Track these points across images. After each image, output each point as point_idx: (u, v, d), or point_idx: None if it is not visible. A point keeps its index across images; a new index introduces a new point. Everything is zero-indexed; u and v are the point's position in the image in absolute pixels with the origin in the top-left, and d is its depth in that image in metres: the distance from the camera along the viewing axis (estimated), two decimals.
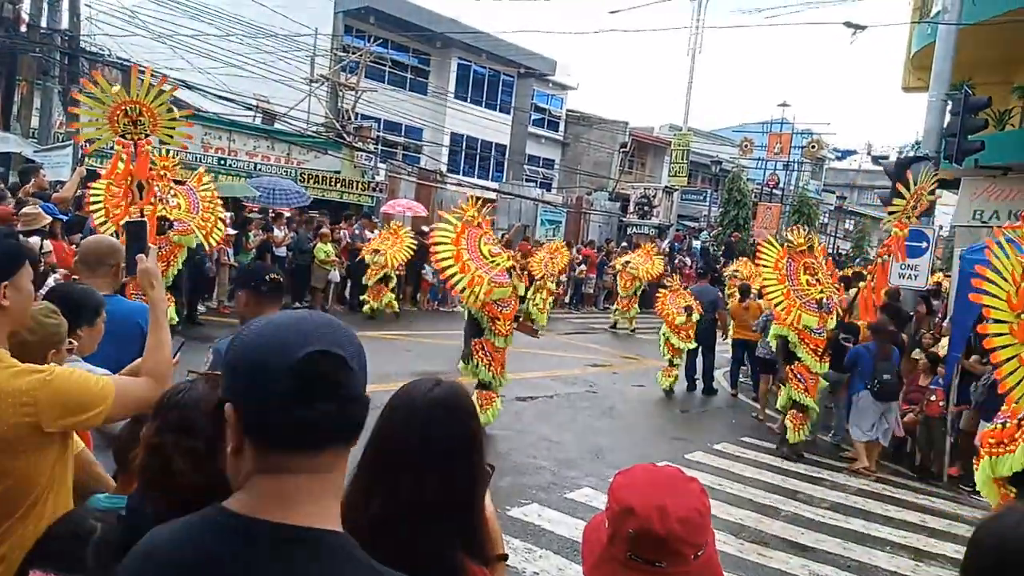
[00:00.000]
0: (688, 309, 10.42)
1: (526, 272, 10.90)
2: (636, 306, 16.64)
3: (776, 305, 8.18)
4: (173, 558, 0.99)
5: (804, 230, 8.85)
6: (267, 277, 3.27)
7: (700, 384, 11.03)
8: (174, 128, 5.26)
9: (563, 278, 17.83)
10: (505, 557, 1.35)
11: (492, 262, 7.09)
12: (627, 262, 16.79)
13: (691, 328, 10.52)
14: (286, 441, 0.98)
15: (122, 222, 5.15)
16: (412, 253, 14.15)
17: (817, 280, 8.21)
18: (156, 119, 5.06)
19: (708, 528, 1.36)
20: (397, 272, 14.28)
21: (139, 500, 1.72)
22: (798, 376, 8.04)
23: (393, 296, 14.17)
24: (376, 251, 13.85)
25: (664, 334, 10.68)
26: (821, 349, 8.04)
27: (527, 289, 7.53)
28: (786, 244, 8.57)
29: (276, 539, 0.96)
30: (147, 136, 5.02)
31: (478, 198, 7.79)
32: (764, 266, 8.44)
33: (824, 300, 8.10)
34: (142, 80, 5.04)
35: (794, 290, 8.13)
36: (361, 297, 13.96)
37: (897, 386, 7.96)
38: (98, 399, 1.87)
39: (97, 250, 3.26)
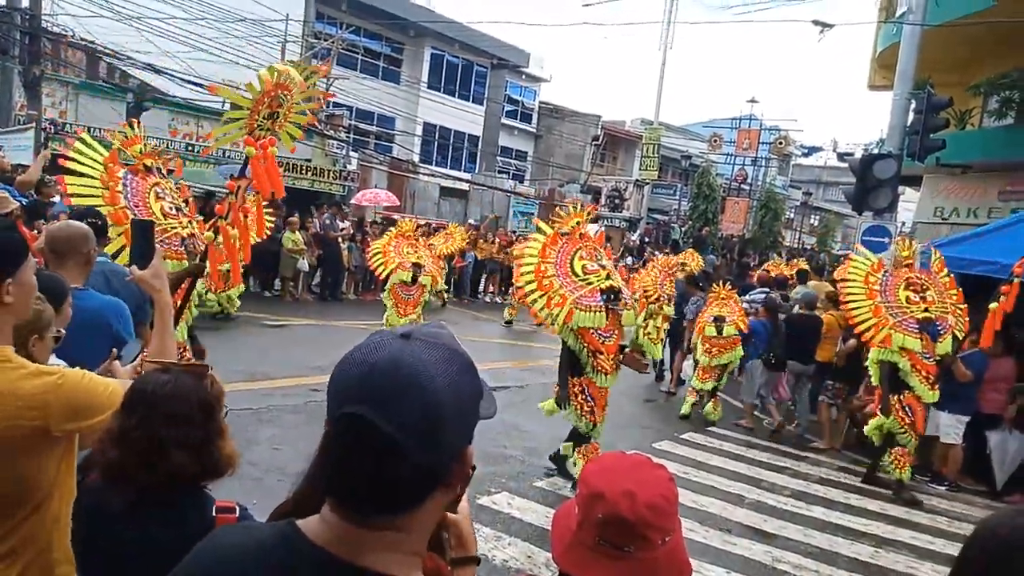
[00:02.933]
0: (719, 320, 8.85)
1: (641, 297, 8.80)
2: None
3: (859, 323, 7.14)
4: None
5: (908, 241, 7.55)
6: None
7: (668, 375, 11.17)
8: (303, 120, 4.15)
9: None
10: (477, 561, 1.36)
11: (583, 281, 5.87)
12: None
13: (727, 345, 8.89)
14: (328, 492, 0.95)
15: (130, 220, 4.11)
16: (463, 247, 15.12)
17: (923, 298, 7.04)
18: (290, 111, 3.99)
19: (675, 515, 1.40)
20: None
21: (98, 489, 1.72)
22: (906, 408, 6.89)
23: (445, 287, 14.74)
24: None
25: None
26: (933, 377, 6.90)
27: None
28: (885, 256, 7.50)
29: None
30: (273, 134, 3.96)
31: (583, 203, 6.52)
32: (851, 279, 7.35)
33: (933, 321, 6.92)
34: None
35: (887, 306, 7.06)
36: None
37: (783, 362, 8.81)
38: (106, 404, 1.85)
39: (68, 238, 3.05)
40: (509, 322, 14.64)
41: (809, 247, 35.20)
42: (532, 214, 28.65)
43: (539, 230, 6.21)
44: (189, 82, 16.74)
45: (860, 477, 7.52)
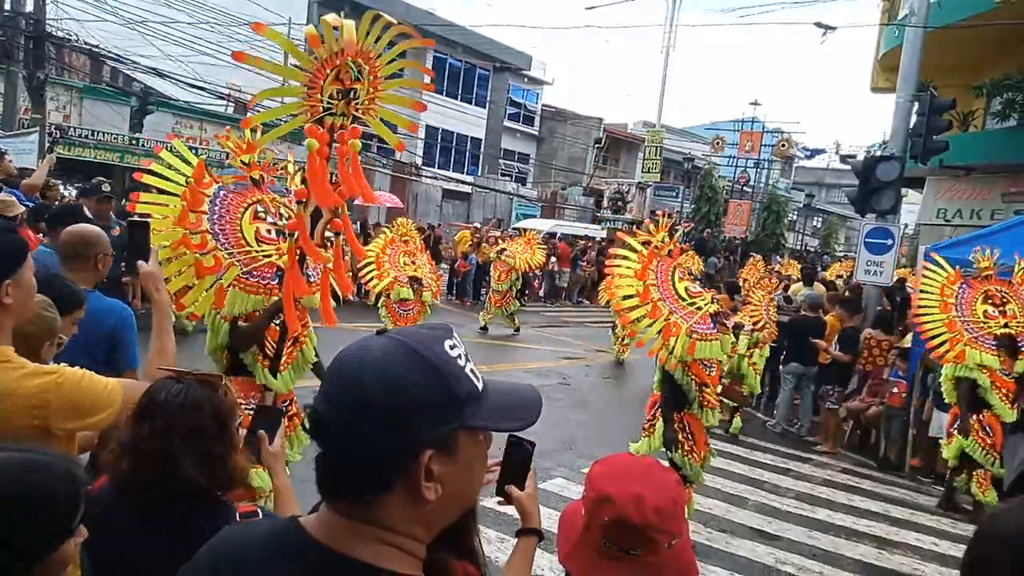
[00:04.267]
0: (738, 328, 7.89)
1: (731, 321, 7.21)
2: (516, 301, 13.62)
3: (931, 338, 6.69)
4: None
5: (988, 252, 6.89)
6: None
7: None
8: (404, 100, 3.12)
9: (538, 272, 17.49)
10: (539, 535, 1.50)
11: (691, 304, 5.10)
12: (502, 250, 13.56)
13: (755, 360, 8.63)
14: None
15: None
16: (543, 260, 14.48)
17: (1002, 312, 6.55)
18: (377, 86, 2.96)
19: (682, 518, 1.41)
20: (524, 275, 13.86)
21: (107, 499, 1.68)
22: (987, 428, 6.42)
23: (518, 304, 13.72)
24: (503, 250, 12.83)
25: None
26: (1012, 395, 6.37)
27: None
28: (961, 267, 6.97)
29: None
30: (355, 121, 3.01)
31: (667, 213, 5.97)
32: (926, 291, 6.90)
33: (1015, 337, 6.41)
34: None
35: (962, 321, 6.63)
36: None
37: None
38: (106, 402, 1.86)
39: (77, 240, 3.08)
40: (485, 327, 13.53)
41: (812, 249, 35.18)
42: (534, 217, 28.72)
43: (629, 246, 5.28)
44: (193, 86, 16.79)
45: (934, 501, 7.06)
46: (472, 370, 0.99)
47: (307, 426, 0.97)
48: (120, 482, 1.68)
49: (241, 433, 1.83)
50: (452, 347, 0.98)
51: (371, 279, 8.03)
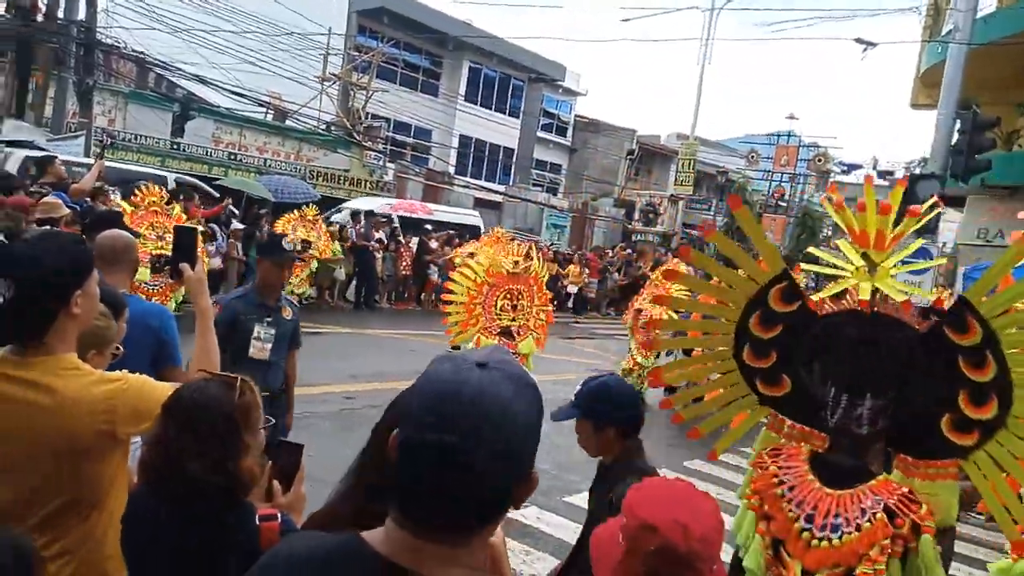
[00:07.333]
0: None
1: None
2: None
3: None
4: None
5: None
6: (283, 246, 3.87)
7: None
8: None
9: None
10: None
11: None
12: (471, 254, 12.12)
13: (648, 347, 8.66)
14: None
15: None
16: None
17: None
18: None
19: (721, 544, 1.41)
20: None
21: (143, 492, 1.73)
22: None
23: None
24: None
25: None
26: None
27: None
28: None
29: None
30: None
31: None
32: None
33: None
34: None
35: None
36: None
37: None
38: None
39: (114, 246, 3.16)
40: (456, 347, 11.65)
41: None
42: (565, 227, 28.70)
43: None
44: (235, 93, 17.14)
45: None
46: None
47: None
48: (146, 476, 1.72)
49: (261, 436, 1.82)
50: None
51: (457, 333, 6.07)
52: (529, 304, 6.40)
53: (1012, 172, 11.34)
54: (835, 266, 2.12)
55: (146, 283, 6.04)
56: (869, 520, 1.73)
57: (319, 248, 12.01)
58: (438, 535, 0.96)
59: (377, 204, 17.97)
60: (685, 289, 4.59)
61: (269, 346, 3.95)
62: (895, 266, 2.00)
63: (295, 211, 13.23)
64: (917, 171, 11.78)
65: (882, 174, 24.94)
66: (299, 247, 11.27)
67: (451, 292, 5.93)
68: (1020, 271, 1.96)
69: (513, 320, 6.25)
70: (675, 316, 3.18)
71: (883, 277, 1.95)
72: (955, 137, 10.24)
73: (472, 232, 18.24)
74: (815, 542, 1.79)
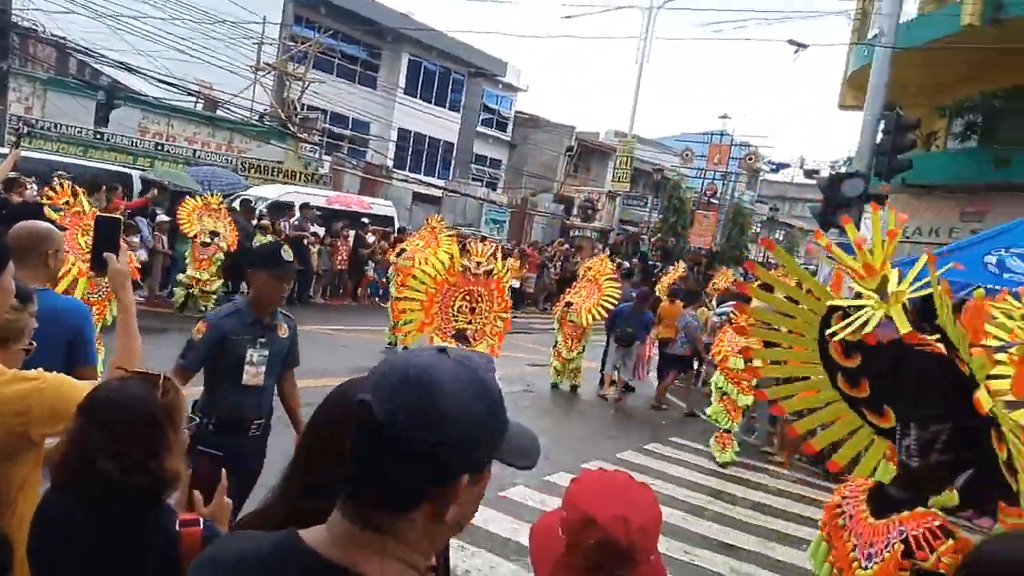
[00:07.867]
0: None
1: None
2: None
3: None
4: None
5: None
6: (282, 256, 3.59)
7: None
8: None
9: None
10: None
11: None
12: (402, 251, 11.76)
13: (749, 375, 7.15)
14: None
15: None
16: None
17: None
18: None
19: (659, 534, 1.43)
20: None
21: (55, 494, 1.67)
22: None
23: None
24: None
25: (717, 384, 8.08)
26: None
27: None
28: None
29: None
30: None
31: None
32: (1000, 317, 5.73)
33: None
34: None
35: None
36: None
37: (632, 337, 9.96)
38: None
39: (27, 236, 2.96)
40: (392, 343, 11.06)
41: (773, 262, 35.69)
42: (504, 222, 28.74)
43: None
44: (162, 81, 16.54)
45: (815, 487, 7.52)
46: None
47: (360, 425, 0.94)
48: (57, 477, 1.66)
49: (185, 435, 1.78)
50: (498, 379, 1.02)
51: (409, 331, 5.93)
52: (488, 309, 6.27)
53: (929, 171, 11.88)
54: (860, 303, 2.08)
55: (90, 292, 5.54)
56: (888, 551, 1.78)
57: (227, 239, 11.34)
58: (367, 517, 0.95)
59: (277, 192, 16.56)
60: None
61: (263, 369, 3.56)
62: (907, 289, 1.98)
63: (196, 197, 11.72)
64: (843, 170, 12.20)
65: (808, 173, 25.77)
66: (208, 239, 11.11)
67: (406, 287, 5.79)
68: (909, 266, 2.01)
69: (470, 323, 6.11)
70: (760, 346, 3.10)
71: (895, 303, 1.94)
72: (879, 137, 10.65)
73: (384, 223, 17.92)
74: (859, 571, 1.86)
